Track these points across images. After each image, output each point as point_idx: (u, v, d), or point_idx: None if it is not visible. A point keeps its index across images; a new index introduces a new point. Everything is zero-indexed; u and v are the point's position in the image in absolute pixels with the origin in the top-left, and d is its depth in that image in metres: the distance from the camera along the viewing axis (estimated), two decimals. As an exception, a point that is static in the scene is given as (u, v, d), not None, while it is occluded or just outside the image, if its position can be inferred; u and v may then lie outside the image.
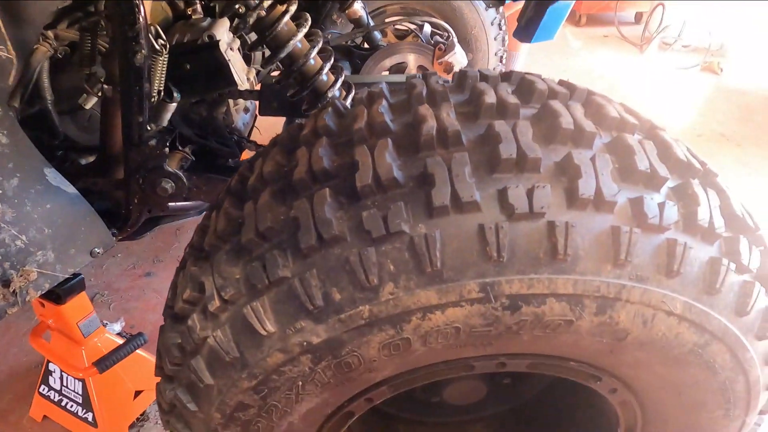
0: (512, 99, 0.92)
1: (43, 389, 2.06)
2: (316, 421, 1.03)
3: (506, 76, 1.05)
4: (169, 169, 1.59)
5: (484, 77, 1.03)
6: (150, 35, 1.38)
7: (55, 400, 2.03)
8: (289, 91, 1.51)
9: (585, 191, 0.80)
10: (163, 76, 1.50)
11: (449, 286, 0.80)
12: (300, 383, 0.91)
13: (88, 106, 1.63)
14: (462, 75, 1.04)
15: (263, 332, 0.86)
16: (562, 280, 0.80)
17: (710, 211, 0.87)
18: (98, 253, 1.46)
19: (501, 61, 2.92)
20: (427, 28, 2.61)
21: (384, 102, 0.98)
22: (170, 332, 1.01)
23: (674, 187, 0.88)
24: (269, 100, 1.88)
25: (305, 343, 0.85)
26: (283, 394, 0.93)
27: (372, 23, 2.58)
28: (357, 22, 2.60)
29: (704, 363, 0.91)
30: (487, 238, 0.78)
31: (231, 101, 2.15)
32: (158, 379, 1.09)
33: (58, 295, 1.73)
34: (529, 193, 0.80)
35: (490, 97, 0.92)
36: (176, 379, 1.01)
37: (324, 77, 1.46)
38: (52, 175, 1.36)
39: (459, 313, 0.82)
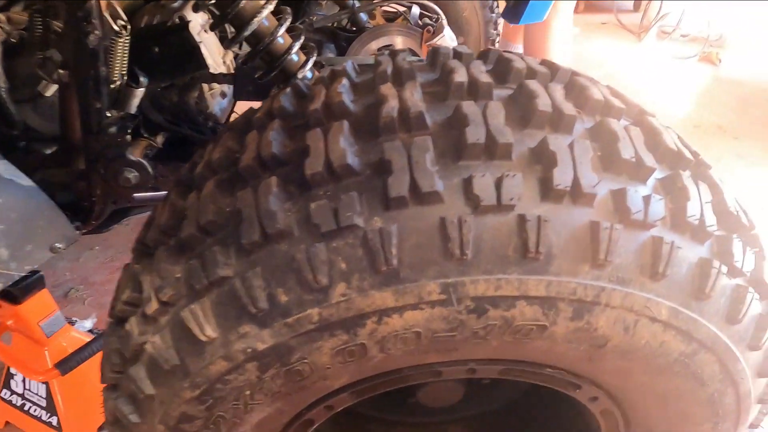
0: (485, 78, 0.82)
1: (5, 394, 1.95)
2: (272, 430, 0.95)
3: (483, 55, 0.96)
4: (132, 158, 1.50)
5: (457, 54, 0.93)
6: (107, 15, 1.29)
7: (18, 404, 1.92)
8: (257, 73, 1.41)
9: (561, 181, 0.71)
10: (125, 59, 1.41)
11: (407, 287, 0.71)
12: (248, 393, 0.82)
13: (48, 94, 1.54)
14: (434, 52, 0.95)
15: (203, 338, 0.77)
16: (533, 281, 0.71)
17: (701, 206, 0.78)
18: (59, 248, 1.39)
19: (493, 45, 2.82)
20: (416, 10, 2.50)
21: (345, 81, 0.88)
22: (111, 336, 0.92)
23: (662, 179, 0.79)
24: (244, 84, 1.79)
25: (250, 350, 0.77)
26: (230, 405, 0.84)
27: (358, 4, 2.47)
28: (342, 4, 2.49)
29: (691, 374, 0.83)
30: (449, 233, 0.70)
31: (206, 86, 2.05)
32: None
33: (14, 294, 1.63)
34: (498, 183, 0.71)
35: (461, 76, 0.82)
36: (118, 388, 0.93)
37: (294, 57, 1.36)
38: (4, 168, 1.28)
39: (419, 317, 0.73)
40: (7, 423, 1.98)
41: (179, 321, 0.79)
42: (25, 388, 1.89)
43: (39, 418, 1.88)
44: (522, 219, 0.70)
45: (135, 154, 1.53)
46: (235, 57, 2.17)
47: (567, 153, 0.73)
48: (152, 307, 0.81)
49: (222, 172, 0.86)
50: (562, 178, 0.71)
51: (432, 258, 0.71)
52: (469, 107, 0.77)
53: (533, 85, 0.82)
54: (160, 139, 1.76)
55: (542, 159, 0.74)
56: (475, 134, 0.73)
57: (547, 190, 0.71)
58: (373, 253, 0.70)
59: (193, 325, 0.77)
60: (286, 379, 0.80)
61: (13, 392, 1.92)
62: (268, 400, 0.84)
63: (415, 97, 0.80)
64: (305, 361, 0.78)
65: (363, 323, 0.74)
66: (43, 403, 1.86)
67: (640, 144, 0.79)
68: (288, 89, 0.95)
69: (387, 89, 0.82)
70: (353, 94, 0.87)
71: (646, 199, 0.73)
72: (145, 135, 1.64)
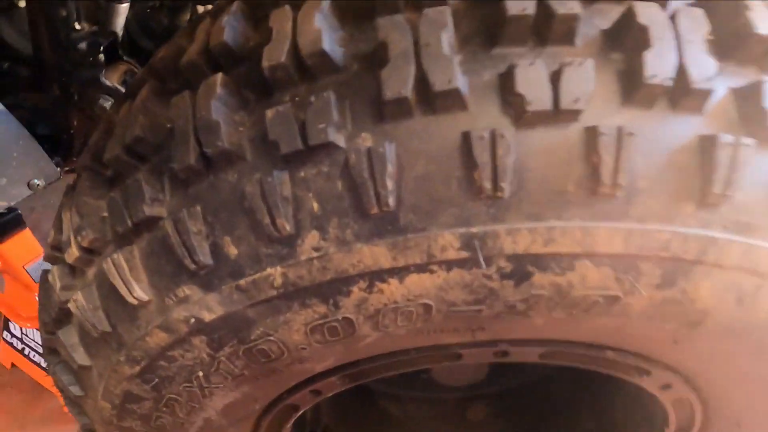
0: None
1: (6, 336, 1.89)
2: (245, 416, 0.75)
3: None
4: (108, 83, 1.31)
5: None
6: None
7: (19, 348, 1.86)
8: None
9: (657, 71, 0.44)
10: (98, -38, 1.19)
11: (410, 240, 0.47)
12: (201, 374, 0.62)
13: (23, 4, 1.34)
14: None
15: (132, 300, 0.56)
16: (605, 230, 0.46)
17: None
18: (38, 185, 1.24)
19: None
20: None
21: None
22: (41, 288, 0.73)
23: None
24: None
25: (194, 320, 0.55)
26: (182, 387, 0.65)
27: None
28: None
29: None
30: (475, 157, 0.45)
31: (200, 8, 1.81)
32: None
33: (-9, 233, 1.50)
34: (554, 77, 0.45)
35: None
36: (58, 353, 0.74)
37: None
38: None
39: (428, 283, 0.50)
40: (13, 365, 1.92)
41: (105, 275, 0.58)
42: (22, 333, 1.81)
43: (38, 365, 1.80)
44: (592, 133, 0.45)
45: (112, 80, 1.34)
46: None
47: (666, 29, 0.46)
48: (72, 254, 0.61)
49: (167, 77, 0.63)
50: (658, 66, 0.44)
51: (449, 196, 0.46)
52: (511, -33, 0.50)
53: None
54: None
55: (625, 41, 0.47)
56: (518, 4, 0.47)
57: (634, 87, 0.45)
58: (359, 187, 0.47)
59: (118, 281, 0.56)
60: (249, 361, 0.59)
61: (13, 335, 1.85)
62: (230, 384, 0.64)
63: (429, -44, 0.54)
64: (271, 338, 0.56)
65: (346, 290, 0.51)
66: (41, 350, 1.77)
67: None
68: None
69: (390, -52, 0.56)
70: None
71: (793, 104, 0.47)
72: (126, 58, 1.42)
